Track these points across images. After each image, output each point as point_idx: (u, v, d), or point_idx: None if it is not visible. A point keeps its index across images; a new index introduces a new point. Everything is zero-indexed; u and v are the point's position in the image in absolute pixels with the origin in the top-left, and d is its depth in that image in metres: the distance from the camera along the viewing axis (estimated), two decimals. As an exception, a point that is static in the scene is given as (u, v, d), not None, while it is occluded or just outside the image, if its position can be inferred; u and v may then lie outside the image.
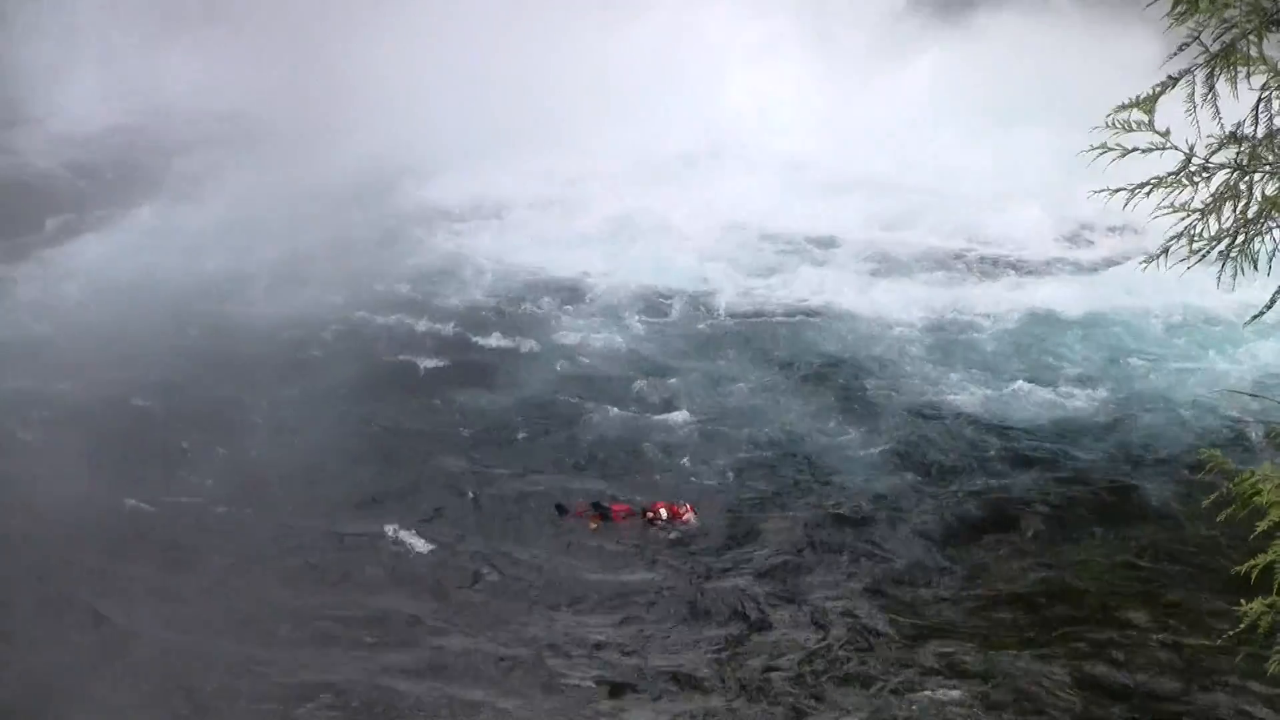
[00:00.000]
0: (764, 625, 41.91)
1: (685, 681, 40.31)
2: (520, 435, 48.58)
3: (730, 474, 46.78)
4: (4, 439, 46.79)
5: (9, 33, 58.48)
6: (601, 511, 45.30)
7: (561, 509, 45.69)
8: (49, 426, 47.14)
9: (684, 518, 45.07)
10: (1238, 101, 12.63)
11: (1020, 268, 50.68)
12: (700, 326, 52.17)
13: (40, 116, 55.61)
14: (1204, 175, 12.40)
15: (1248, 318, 13.33)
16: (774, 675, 40.49)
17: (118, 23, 57.88)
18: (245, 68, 56.36)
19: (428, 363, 50.61)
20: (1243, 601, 13.23)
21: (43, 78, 56.40)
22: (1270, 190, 12.56)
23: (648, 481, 47.03)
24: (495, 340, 51.09)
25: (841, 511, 45.20)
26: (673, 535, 44.43)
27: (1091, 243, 48.29)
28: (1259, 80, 12.41)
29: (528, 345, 51.15)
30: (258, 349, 49.82)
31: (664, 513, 45.08)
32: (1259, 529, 12.56)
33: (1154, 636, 39.37)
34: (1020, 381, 48.31)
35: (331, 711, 38.95)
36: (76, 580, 42.22)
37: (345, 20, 55.68)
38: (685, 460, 47.50)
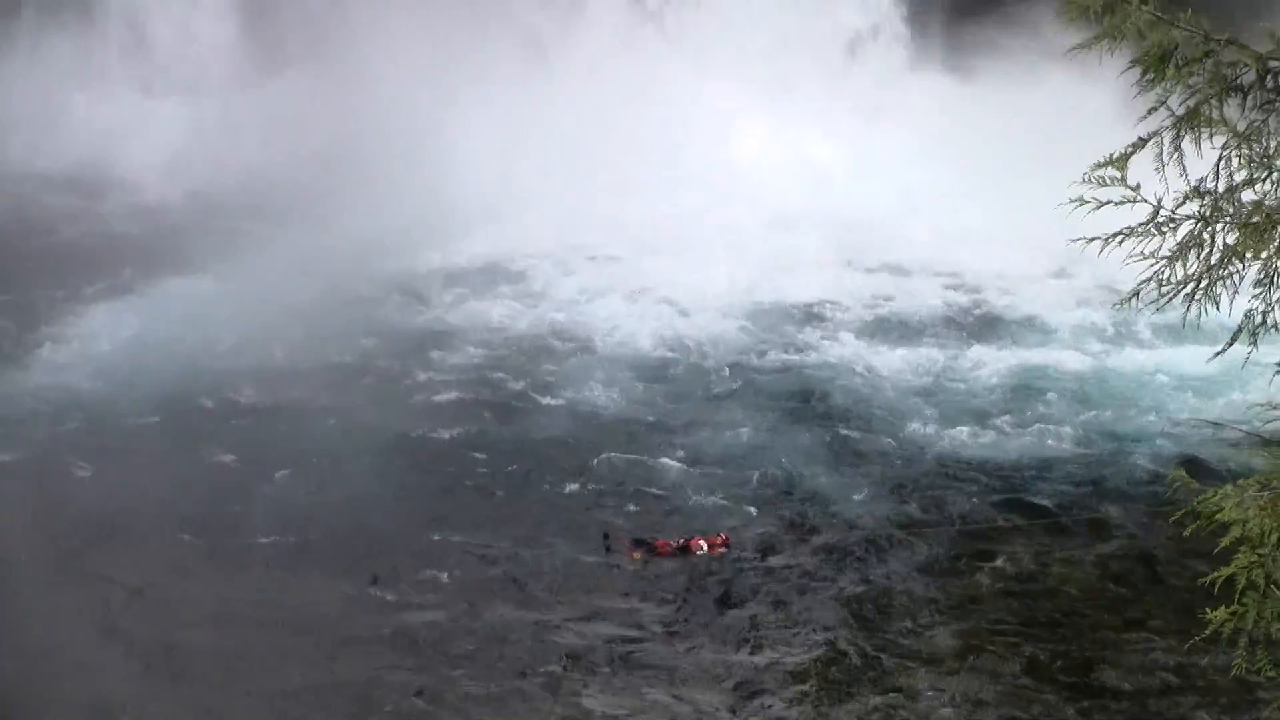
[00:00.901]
0: (769, 646, 42.23)
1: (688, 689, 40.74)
2: (547, 476, 47.85)
3: (734, 510, 46.42)
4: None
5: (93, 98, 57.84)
6: (646, 546, 45.12)
7: (607, 541, 45.36)
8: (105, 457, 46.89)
9: (719, 549, 44.94)
10: (1201, 159, 12.90)
11: (1005, 316, 50.44)
12: (705, 378, 51.81)
13: (113, 180, 55.09)
14: (1171, 226, 12.73)
15: (1210, 355, 13.70)
16: (774, 694, 40.92)
17: (173, 104, 57.15)
18: (286, 146, 56.03)
19: (455, 415, 50.06)
20: (1209, 610, 13.63)
21: (116, 144, 55.83)
22: (1231, 239, 12.91)
23: (656, 518, 46.85)
24: (518, 388, 50.75)
25: (836, 542, 45.03)
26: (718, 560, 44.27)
27: (1069, 286, 47.96)
28: (1220, 140, 12.73)
29: (545, 398, 51.04)
30: (290, 394, 49.64)
31: (704, 545, 44.93)
32: (1222, 543, 12.98)
33: (1129, 646, 39.83)
34: (1003, 422, 48.36)
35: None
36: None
37: (376, 101, 55.70)
38: (695, 499, 47.25)
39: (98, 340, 49.72)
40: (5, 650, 40.66)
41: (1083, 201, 13.00)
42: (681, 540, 44.98)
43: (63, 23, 59.26)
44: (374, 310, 51.11)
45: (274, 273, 51.16)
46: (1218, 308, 12.89)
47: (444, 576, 43.59)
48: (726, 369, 50.32)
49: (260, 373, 48.60)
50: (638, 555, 44.81)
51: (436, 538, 45.51)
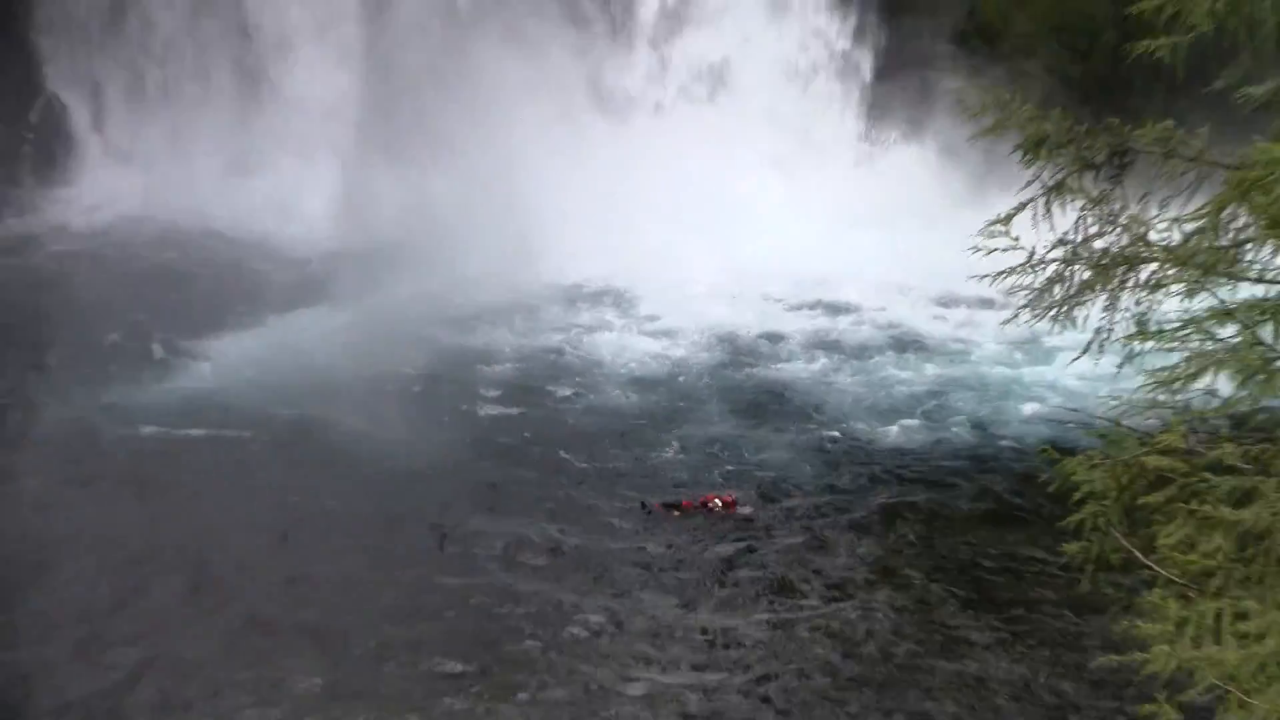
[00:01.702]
0: (745, 578, 42.52)
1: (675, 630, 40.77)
2: (579, 454, 47.72)
3: (717, 483, 46.42)
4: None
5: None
6: (675, 507, 45.07)
7: (645, 507, 45.35)
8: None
9: (730, 506, 45.25)
10: (1064, 217, 12.99)
11: (917, 341, 50.63)
12: (691, 387, 51.66)
13: (266, 235, 55.09)
14: (1042, 266, 12.84)
15: (1069, 361, 13.87)
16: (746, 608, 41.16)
17: (318, 172, 57.18)
18: (408, 207, 55.95)
19: (512, 404, 49.90)
20: (1066, 545, 13.68)
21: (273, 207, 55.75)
22: (1085, 277, 13.03)
23: (665, 488, 46.73)
24: (562, 390, 50.67)
25: (792, 505, 45.81)
26: (727, 523, 44.68)
27: (969, 315, 48.30)
28: (1079, 203, 12.82)
29: (578, 400, 50.96)
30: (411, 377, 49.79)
31: (718, 501, 45.23)
32: (1075, 498, 13.02)
33: (1011, 572, 40.50)
34: (917, 417, 48.64)
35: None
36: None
37: (482, 169, 54.86)
38: (688, 475, 47.46)
39: (245, 353, 49.82)
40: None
41: (977, 249, 13.10)
42: (701, 499, 45.15)
43: (237, 111, 58.89)
44: (460, 333, 51.11)
45: (385, 306, 51.17)
46: (1075, 325, 12.99)
47: (501, 532, 43.70)
48: (706, 379, 50.19)
49: (362, 378, 48.81)
50: (675, 513, 44.86)
51: (493, 497, 45.73)
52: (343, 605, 39.94)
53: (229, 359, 49.47)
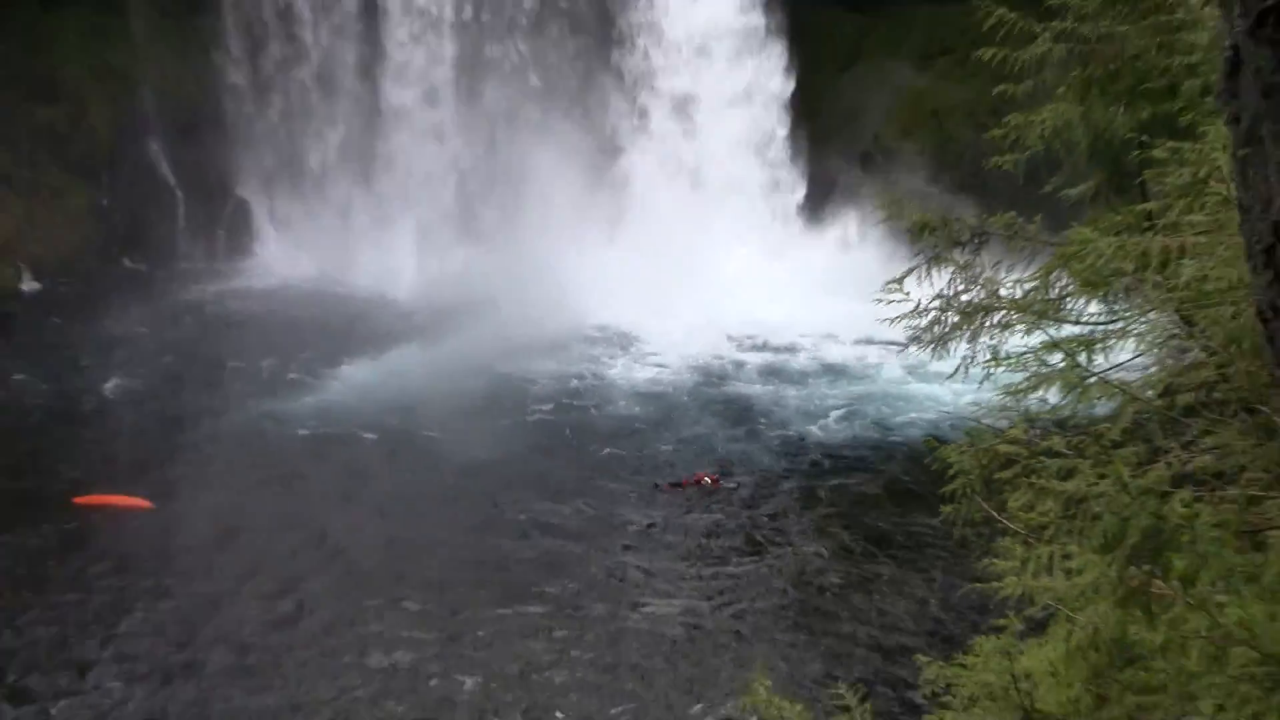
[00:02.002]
0: (720, 535, 42.66)
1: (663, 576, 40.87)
2: (600, 449, 47.35)
3: (700, 465, 45.85)
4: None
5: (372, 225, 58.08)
6: (678, 484, 44.95)
7: (657, 485, 45.10)
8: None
9: (715, 482, 45.12)
10: (941, 278, 13.05)
11: (841, 369, 50.23)
12: (679, 400, 50.81)
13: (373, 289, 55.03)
14: (924, 312, 12.95)
15: (945, 379, 13.95)
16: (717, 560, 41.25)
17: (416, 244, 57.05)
18: (436, 262, 55.78)
19: (550, 413, 49.42)
20: (943, 508, 13.72)
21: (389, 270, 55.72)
22: (955, 320, 13.16)
23: (664, 470, 46.41)
24: (585, 403, 50.39)
25: (753, 482, 45.52)
26: (710, 493, 44.69)
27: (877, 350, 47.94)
28: (950, 269, 12.89)
29: (598, 409, 50.59)
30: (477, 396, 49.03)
31: (707, 479, 44.94)
32: (948, 474, 13.10)
33: (903, 529, 40.49)
34: (840, 419, 48.14)
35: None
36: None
37: (535, 243, 54.86)
38: (680, 462, 47.01)
39: (363, 377, 49.91)
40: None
41: (881, 302, 13.21)
42: (695, 478, 44.92)
43: (361, 195, 58.73)
44: (512, 363, 50.90)
45: (460, 344, 51.10)
46: (949, 353, 13.10)
47: (542, 505, 43.83)
48: (688, 395, 50.00)
49: (442, 395, 48.83)
50: (679, 489, 44.70)
51: (536, 480, 45.27)
52: (425, 558, 40.61)
53: (352, 381, 49.52)
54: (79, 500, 41.97)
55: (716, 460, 46.20)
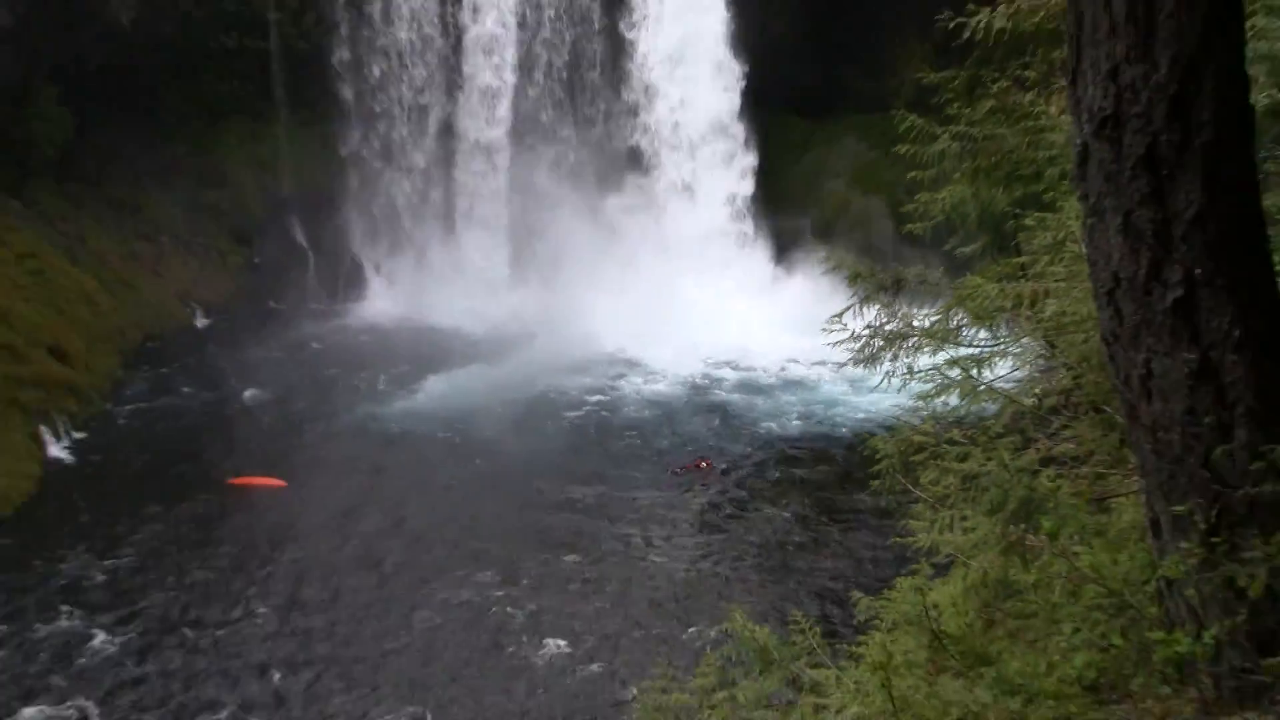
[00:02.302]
0: (709, 509, 42.46)
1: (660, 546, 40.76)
2: (617, 441, 47.03)
3: (693, 453, 45.80)
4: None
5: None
6: (684, 467, 44.41)
7: (670, 470, 44.46)
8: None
9: (710, 465, 44.63)
10: (872, 314, 13.06)
11: (798, 382, 49.82)
12: (673, 406, 50.23)
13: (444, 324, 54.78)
14: (858, 340, 12.98)
15: (873, 389, 13.90)
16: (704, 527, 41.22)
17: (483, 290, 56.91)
18: (496, 302, 55.47)
19: (581, 415, 49.08)
20: (871, 482, 13.65)
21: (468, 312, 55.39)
22: (880, 344, 13.18)
23: (669, 455, 45.90)
24: (605, 409, 50.10)
25: (730, 466, 45.14)
26: (707, 478, 44.16)
27: (826, 369, 47.21)
28: (877, 307, 12.89)
29: (613, 414, 50.14)
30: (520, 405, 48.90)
31: (704, 463, 44.43)
32: (877, 457, 13.05)
33: (844, 502, 40.39)
34: (797, 419, 48.01)
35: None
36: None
37: (570, 290, 54.71)
38: (677, 451, 46.29)
39: (439, 389, 49.74)
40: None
41: (825, 330, 13.19)
42: (695, 462, 44.51)
43: (440, 244, 58.52)
44: (551, 379, 50.46)
45: (512, 365, 50.97)
46: (878, 369, 13.08)
47: (573, 487, 43.68)
48: (682, 402, 49.68)
49: (499, 402, 48.56)
50: (688, 469, 44.21)
51: (568, 468, 45.04)
52: (485, 525, 40.57)
53: (431, 392, 49.36)
54: (231, 480, 42.28)
55: (707, 450, 45.78)
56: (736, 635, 12.56)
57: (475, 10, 56.65)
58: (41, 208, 52.09)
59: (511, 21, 56.63)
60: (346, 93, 57.36)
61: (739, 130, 58.59)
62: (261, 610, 35.97)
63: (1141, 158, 6.59)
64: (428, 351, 52.07)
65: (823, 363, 47.28)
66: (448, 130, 58.47)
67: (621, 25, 57.58)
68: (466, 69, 57.34)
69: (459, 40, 57.27)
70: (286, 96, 57.17)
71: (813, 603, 33.60)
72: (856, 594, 13.87)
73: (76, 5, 50.00)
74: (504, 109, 57.57)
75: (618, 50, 57.85)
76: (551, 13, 57.01)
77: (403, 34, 56.66)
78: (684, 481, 43.82)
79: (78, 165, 54.00)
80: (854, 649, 12.65)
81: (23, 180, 52.07)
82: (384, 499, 42.05)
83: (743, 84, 57.81)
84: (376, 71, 57.09)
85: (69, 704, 32.01)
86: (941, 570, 13.89)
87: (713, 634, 30.93)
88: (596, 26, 57.59)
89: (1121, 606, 8.26)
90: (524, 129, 58.08)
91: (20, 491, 41.06)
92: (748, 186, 59.18)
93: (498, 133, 57.72)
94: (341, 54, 56.93)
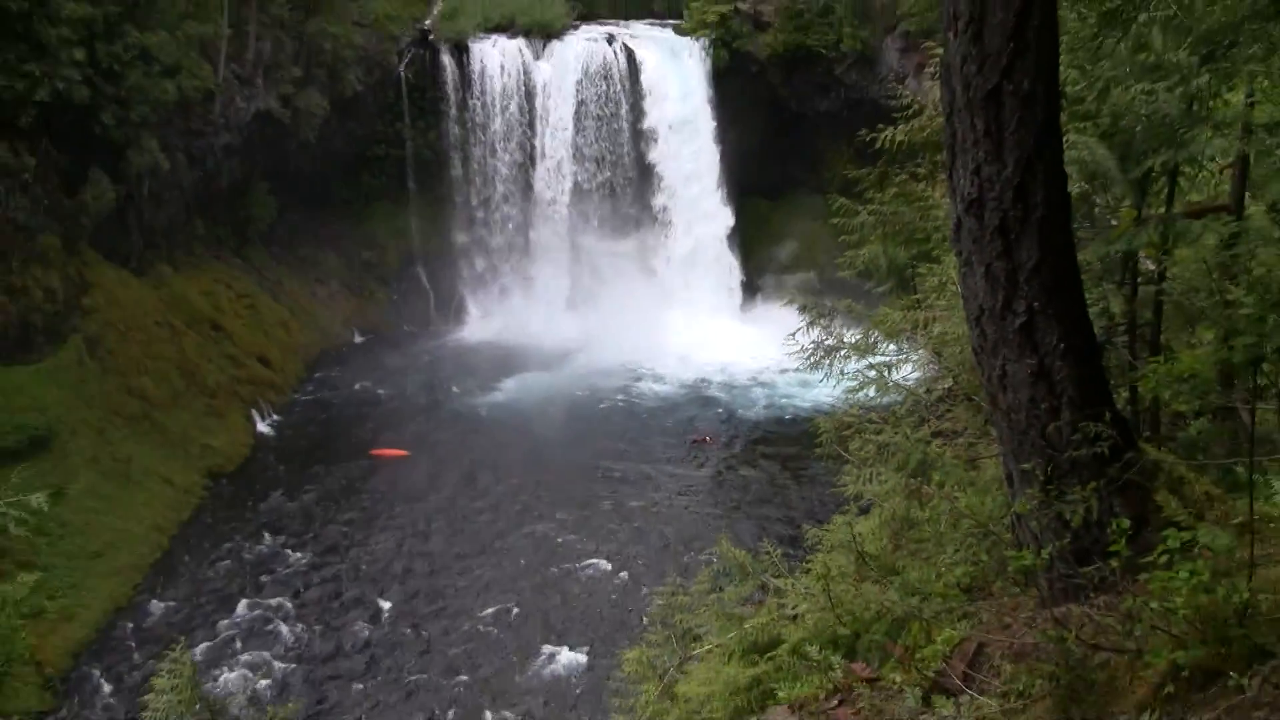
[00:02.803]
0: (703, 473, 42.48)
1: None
2: (637, 424, 46.18)
3: (691, 432, 45.47)
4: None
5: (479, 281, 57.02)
6: (696, 441, 43.45)
7: (687, 441, 43.53)
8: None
9: (713, 440, 43.62)
10: (817, 333, 12.97)
11: (767, 383, 48.72)
12: (674, 400, 48.76)
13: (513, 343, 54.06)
14: (804, 353, 12.91)
15: (818, 385, 13.77)
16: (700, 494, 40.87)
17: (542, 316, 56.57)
18: (558, 323, 54.97)
19: (608, 408, 48.49)
20: (816, 449, 13.59)
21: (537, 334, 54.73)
22: (822, 354, 13.11)
23: (675, 433, 45.19)
24: (629, 402, 49.50)
25: (720, 444, 44.91)
26: (710, 449, 43.19)
27: (788, 374, 46.20)
28: (819, 328, 12.87)
29: (631, 402, 49.49)
30: (567, 406, 48.07)
31: (708, 438, 43.53)
32: (819, 433, 12.98)
33: (808, 472, 39.76)
34: (766, 410, 46.97)
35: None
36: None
37: (606, 318, 53.84)
38: (681, 430, 45.59)
39: (512, 389, 48.98)
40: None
41: (788, 341, 13.11)
42: (702, 437, 43.65)
43: (519, 281, 58.03)
44: (594, 383, 49.36)
45: (564, 373, 50.07)
46: (820, 372, 12.99)
47: (606, 459, 43.32)
48: (682, 398, 48.56)
49: (556, 399, 47.78)
50: (699, 442, 43.23)
51: (602, 445, 44.38)
52: (545, 483, 40.16)
53: (509, 389, 48.49)
54: (373, 451, 42.18)
55: (705, 427, 45.24)
56: (723, 556, 12.57)
57: (545, 120, 56.41)
58: (255, 264, 52.76)
59: (568, 133, 56.37)
60: (456, 182, 57.34)
61: (727, 211, 58.21)
62: (396, 537, 36.23)
63: (997, 227, 6.70)
64: (508, 360, 51.46)
65: (785, 369, 46.87)
66: (527, 199, 57.84)
67: (644, 144, 57.40)
68: (538, 170, 56.98)
69: (533, 154, 56.90)
70: (416, 187, 57.40)
71: (776, 533, 33.30)
72: (806, 527, 13.86)
73: (279, 128, 50.66)
74: (566, 183, 57.04)
75: (639, 147, 57.54)
76: (592, 132, 56.75)
77: (496, 123, 56.37)
78: (695, 450, 43.21)
79: (279, 235, 54.70)
80: (804, 565, 12.63)
81: (243, 245, 52.90)
82: (476, 463, 41.62)
83: (724, 177, 57.48)
84: (476, 165, 56.95)
85: (272, 599, 32.74)
86: (864, 510, 13.88)
87: (707, 554, 30.96)
88: (627, 137, 57.24)
89: (987, 534, 8.26)
90: (580, 200, 57.47)
91: (239, 455, 41.68)
92: (729, 242, 58.67)
93: (562, 202, 57.17)
94: (455, 158, 56.99)
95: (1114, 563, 6.14)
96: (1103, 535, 6.62)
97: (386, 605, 32.33)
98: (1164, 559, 5.68)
